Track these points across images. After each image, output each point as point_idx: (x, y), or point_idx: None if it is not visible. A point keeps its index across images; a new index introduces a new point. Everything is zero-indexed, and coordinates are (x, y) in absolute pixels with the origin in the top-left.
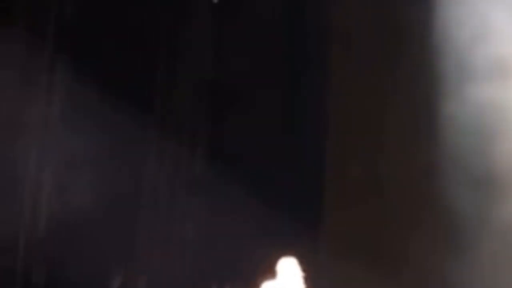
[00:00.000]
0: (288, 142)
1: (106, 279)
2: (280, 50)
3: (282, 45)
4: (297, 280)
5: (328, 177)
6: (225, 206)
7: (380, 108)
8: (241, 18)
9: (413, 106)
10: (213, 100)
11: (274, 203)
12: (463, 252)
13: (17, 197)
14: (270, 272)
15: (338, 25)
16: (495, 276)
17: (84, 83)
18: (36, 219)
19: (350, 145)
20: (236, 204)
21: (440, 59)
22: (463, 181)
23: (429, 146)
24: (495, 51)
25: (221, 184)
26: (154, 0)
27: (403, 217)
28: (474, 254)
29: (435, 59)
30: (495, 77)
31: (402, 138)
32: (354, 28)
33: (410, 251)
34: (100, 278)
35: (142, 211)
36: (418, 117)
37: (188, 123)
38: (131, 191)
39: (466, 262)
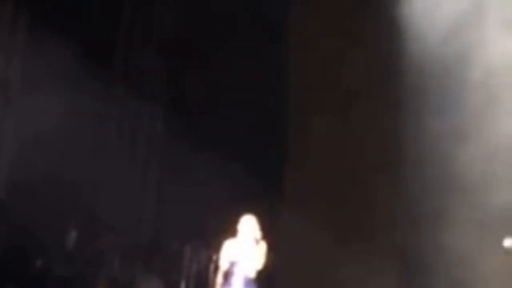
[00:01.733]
0: (249, 102)
1: (63, 234)
2: (240, 14)
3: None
4: (257, 238)
5: (290, 135)
6: (185, 166)
7: (343, 68)
8: None
9: (377, 64)
10: (174, 60)
11: (236, 163)
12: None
13: None
14: (231, 230)
15: None
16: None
17: (45, 42)
18: None
19: (312, 103)
20: (196, 165)
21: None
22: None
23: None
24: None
25: (181, 143)
26: None
27: (364, 180)
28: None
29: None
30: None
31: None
32: None
33: (370, 213)
34: (57, 233)
35: (103, 169)
36: (382, 76)
37: (148, 81)
38: (91, 149)
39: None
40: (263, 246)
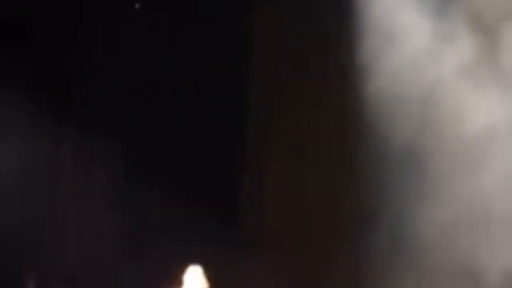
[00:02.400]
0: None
1: (21, 282)
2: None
3: None
4: None
5: (244, 182)
6: (143, 213)
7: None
8: None
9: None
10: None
11: (192, 207)
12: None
13: None
14: (177, 281)
15: None
16: None
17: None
18: None
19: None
20: (152, 211)
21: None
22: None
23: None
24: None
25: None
26: None
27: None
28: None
29: None
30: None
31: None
32: None
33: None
34: (15, 282)
35: (57, 212)
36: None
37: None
38: (45, 193)
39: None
40: None
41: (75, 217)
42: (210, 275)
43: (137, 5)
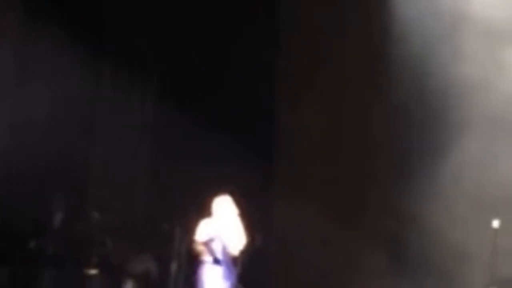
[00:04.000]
0: (239, 87)
1: (52, 214)
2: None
3: None
4: (233, 218)
5: (280, 118)
6: (176, 147)
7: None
8: None
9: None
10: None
11: (225, 146)
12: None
13: None
14: (206, 210)
15: None
16: None
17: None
18: None
19: (303, 91)
20: (187, 146)
21: None
22: None
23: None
24: None
25: (172, 126)
26: None
27: (356, 165)
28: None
29: None
30: None
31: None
32: None
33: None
34: (46, 214)
35: (94, 150)
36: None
37: (139, 66)
38: (81, 130)
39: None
40: (239, 225)
41: (112, 147)
42: (240, 205)
43: None
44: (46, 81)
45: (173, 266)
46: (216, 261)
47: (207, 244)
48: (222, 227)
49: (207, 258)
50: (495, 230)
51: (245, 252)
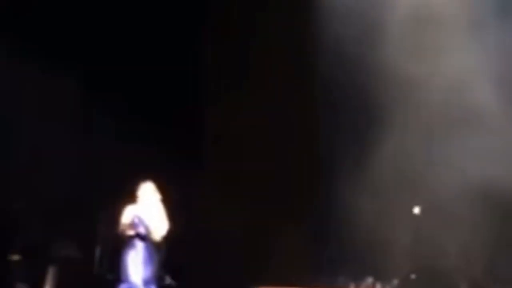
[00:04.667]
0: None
1: None
2: None
3: None
4: (156, 204)
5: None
6: (105, 131)
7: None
8: None
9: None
10: None
11: (153, 133)
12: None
13: None
14: (131, 196)
15: None
16: None
17: None
18: None
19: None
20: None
21: None
22: None
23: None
24: None
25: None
26: None
27: (283, 160)
28: None
29: None
30: None
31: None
32: None
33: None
34: None
35: (20, 136)
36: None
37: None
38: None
39: None
40: (162, 211)
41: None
42: (163, 190)
43: None
44: None
45: (97, 251)
46: (140, 236)
47: (131, 224)
48: (146, 213)
49: (131, 233)
50: (416, 216)
51: (167, 238)
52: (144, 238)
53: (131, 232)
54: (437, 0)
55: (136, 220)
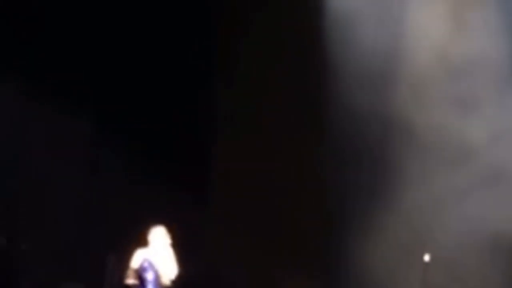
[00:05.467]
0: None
1: None
2: None
3: None
4: (167, 248)
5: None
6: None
7: None
8: None
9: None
10: None
11: (162, 180)
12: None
13: None
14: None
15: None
16: None
17: None
18: None
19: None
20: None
21: None
22: None
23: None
24: None
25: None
26: None
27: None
28: None
29: None
30: None
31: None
32: None
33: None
34: None
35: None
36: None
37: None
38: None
39: None
40: (171, 254)
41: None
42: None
43: None
44: None
45: None
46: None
47: (137, 271)
48: (156, 257)
49: (132, 281)
50: (426, 264)
51: (176, 283)
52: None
53: (130, 281)
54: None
55: (146, 264)
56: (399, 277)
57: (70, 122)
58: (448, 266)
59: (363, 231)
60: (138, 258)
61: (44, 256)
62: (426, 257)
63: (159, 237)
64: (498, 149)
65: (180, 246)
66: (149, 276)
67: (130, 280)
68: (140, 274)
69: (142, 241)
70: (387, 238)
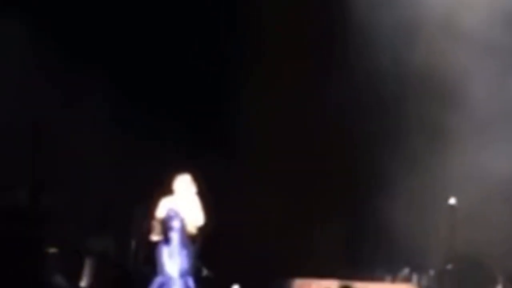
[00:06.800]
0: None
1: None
2: None
3: None
4: (192, 196)
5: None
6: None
7: None
8: None
9: None
10: None
11: (188, 127)
12: None
13: None
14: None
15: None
16: None
17: None
18: None
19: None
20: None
21: None
22: None
23: None
24: None
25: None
26: None
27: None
28: None
29: None
30: None
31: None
32: None
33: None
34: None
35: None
36: None
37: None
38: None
39: None
40: (198, 204)
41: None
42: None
43: None
44: None
45: (133, 244)
46: (166, 240)
47: (163, 222)
48: (182, 205)
49: (157, 237)
50: (452, 207)
51: (203, 230)
52: (168, 240)
53: (155, 238)
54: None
55: (172, 213)
56: (425, 213)
57: (95, 82)
58: (473, 215)
59: (389, 180)
60: (163, 208)
61: (71, 210)
62: (452, 200)
63: (184, 185)
64: None
65: (205, 195)
66: (175, 224)
67: (155, 236)
68: (165, 223)
69: (167, 190)
70: (413, 188)
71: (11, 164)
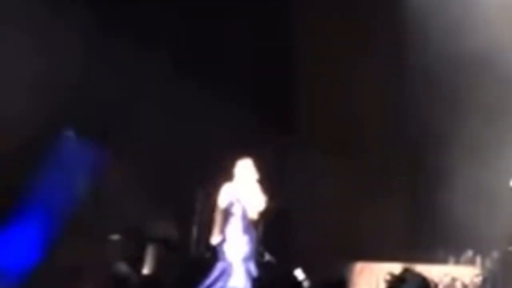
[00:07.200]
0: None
1: None
2: None
3: None
4: (253, 182)
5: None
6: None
7: None
8: None
9: None
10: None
11: (247, 112)
12: None
13: None
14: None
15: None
16: None
17: None
18: None
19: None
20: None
21: None
22: None
23: None
24: None
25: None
26: None
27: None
28: None
29: None
30: None
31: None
32: None
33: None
34: None
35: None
36: None
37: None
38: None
39: None
40: (258, 189)
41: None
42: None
43: None
44: None
45: (195, 230)
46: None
47: (225, 212)
48: (243, 190)
49: (216, 240)
50: None
51: (264, 215)
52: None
53: (215, 241)
54: None
55: (233, 200)
56: (487, 195)
57: (150, 58)
58: None
59: (451, 163)
60: (224, 196)
61: (136, 195)
62: None
63: (245, 170)
64: None
65: (266, 179)
66: (237, 210)
67: (215, 239)
68: (227, 210)
69: (229, 175)
70: (476, 170)
71: None
